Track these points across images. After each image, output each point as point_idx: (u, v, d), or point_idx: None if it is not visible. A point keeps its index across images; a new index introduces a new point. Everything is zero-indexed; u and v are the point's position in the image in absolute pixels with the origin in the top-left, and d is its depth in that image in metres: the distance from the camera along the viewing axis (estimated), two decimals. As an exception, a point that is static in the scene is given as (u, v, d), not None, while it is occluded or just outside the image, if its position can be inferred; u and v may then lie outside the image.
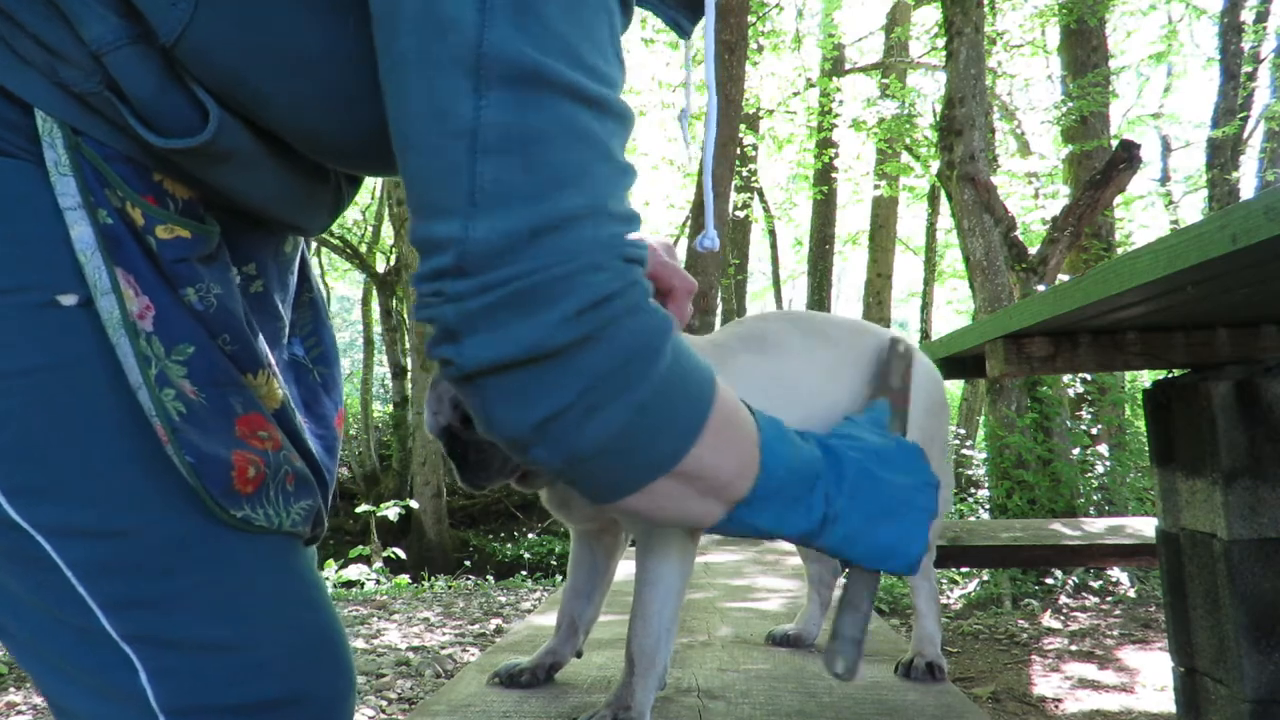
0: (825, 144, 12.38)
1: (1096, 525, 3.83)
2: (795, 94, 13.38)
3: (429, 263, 0.54)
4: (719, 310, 10.53)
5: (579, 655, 1.20)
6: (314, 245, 13.56)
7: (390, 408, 14.00)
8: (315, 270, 0.88)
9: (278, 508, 0.69)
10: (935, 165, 8.47)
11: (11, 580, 0.63)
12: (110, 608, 0.62)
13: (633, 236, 0.58)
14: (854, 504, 0.72)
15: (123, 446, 0.63)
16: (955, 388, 10.95)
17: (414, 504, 8.57)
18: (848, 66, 13.60)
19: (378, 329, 13.79)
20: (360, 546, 7.52)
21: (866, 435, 0.79)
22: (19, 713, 3.14)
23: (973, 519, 5.91)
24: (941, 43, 7.54)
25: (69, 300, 0.61)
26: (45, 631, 0.64)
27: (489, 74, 0.52)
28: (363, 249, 13.46)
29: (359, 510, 8.14)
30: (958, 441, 8.07)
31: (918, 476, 0.76)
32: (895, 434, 0.85)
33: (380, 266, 13.24)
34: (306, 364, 0.87)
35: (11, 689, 3.43)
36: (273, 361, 0.76)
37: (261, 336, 0.76)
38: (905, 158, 11.77)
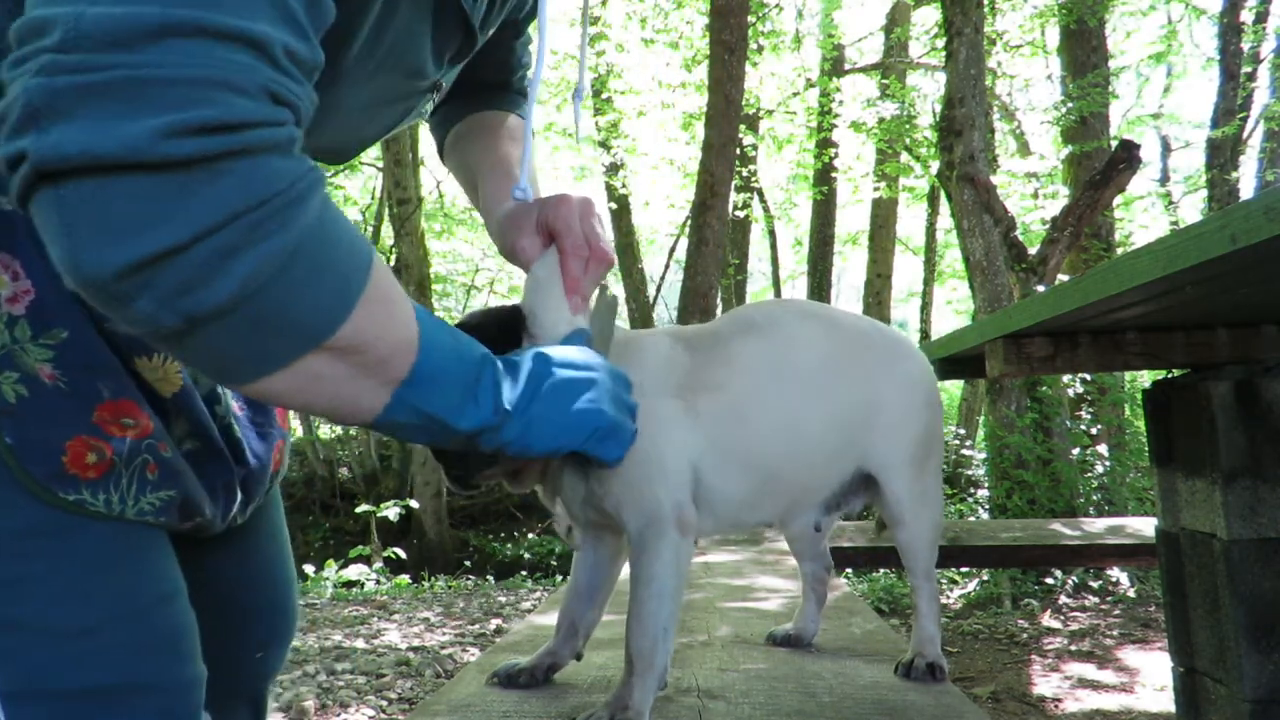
0: (825, 144, 12.37)
1: (1096, 525, 3.84)
2: (795, 94, 13.37)
3: (24, 47, 0.45)
4: (719, 311, 10.53)
5: (578, 658, 1.19)
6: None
7: (390, 408, 13.96)
8: None
9: (124, 495, 0.69)
10: (935, 165, 8.47)
11: None
12: None
13: (291, 86, 0.51)
14: (529, 397, 0.74)
15: None
16: (955, 388, 10.95)
17: (414, 504, 8.56)
18: (847, 67, 13.59)
19: (378, 329, 13.76)
20: (360, 546, 7.52)
21: (546, 351, 0.81)
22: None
23: (973, 519, 5.91)
24: (941, 43, 7.54)
25: None
26: None
27: None
28: (363, 249, 13.44)
29: (359, 510, 8.14)
30: (958, 441, 8.07)
31: (592, 367, 0.81)
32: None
33: (380, 266, 13.22)
34: None
35: (11, 689, 3.43)
36: None
37: None
38: (905, 158, 11.77)
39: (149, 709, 0.69)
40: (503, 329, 0.91)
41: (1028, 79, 12.88)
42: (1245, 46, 10.12)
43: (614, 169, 12.50)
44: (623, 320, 14.61)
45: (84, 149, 0.44)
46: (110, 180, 0.44)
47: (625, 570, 1.10)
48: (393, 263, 12.72)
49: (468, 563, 8.52)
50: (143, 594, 0.71)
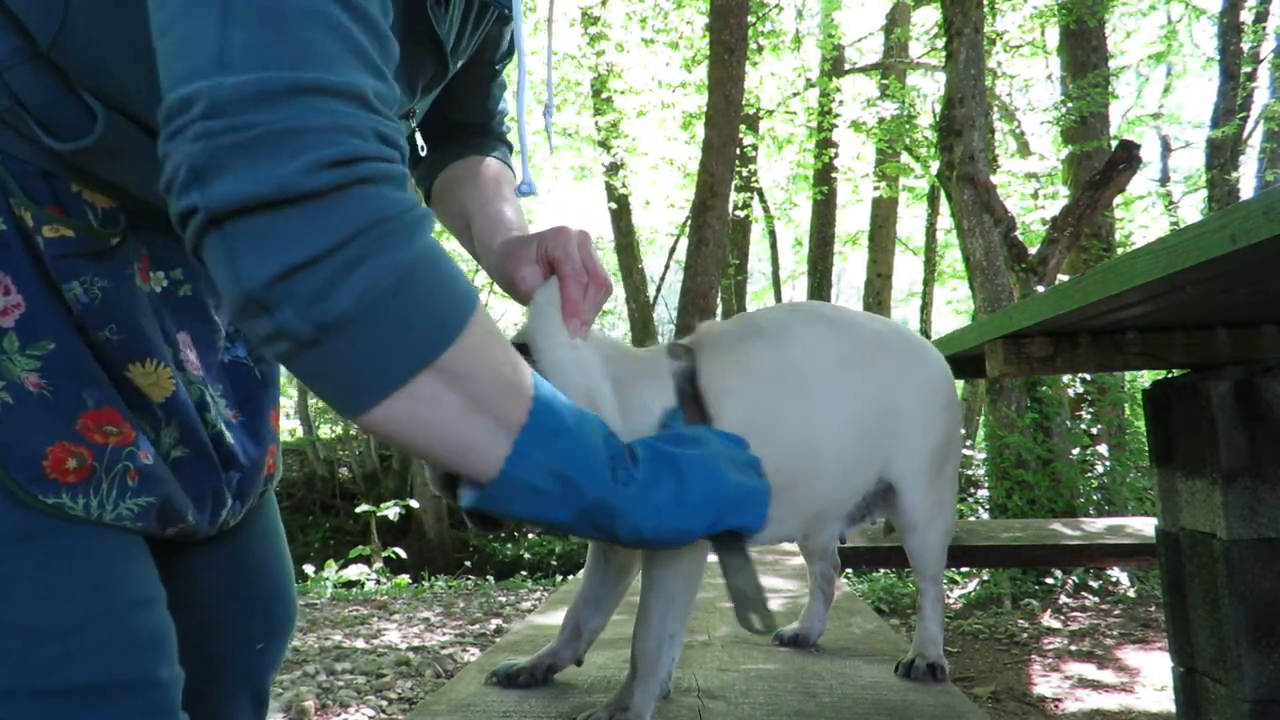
0: (825, 144, 12.37)
1: (1096, 525, 3.84)
2: (795, 94, 13.37)
3: (175, 121, 0.54)
4: (719, 311, 10.53)
5: (579, 663, 1.19)
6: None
7: (390, 408, 13.96)
8: None
9: (104, 500, 0.72)
10: (935, 165, 8.47)
11: None
12: None
13: (394, 128, 0.59)
14: (649, 478, 0.71)
15: None
16: (955, 388, 10.94)
17: (414, 504, 8.57)
18: (847, 67, 13.59)
19: (378, 329, 13.76)
20: (360, 546, 7.52)
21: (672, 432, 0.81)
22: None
23: (973, 519, 5.91)
24: (941, 43, 7.54)
25: None
26: None
27: None
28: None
29: (359, 510, 8.14)
30: (958, 441, 8.07)
31: (706, 446, 0.78)
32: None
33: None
34: (248, 363, 0.93)
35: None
36: (170, 356, 0.81)
37: (164, 329, 0.81)
38: (905, 158, 11.77)
39: (131, 707, 0.72)
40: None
41: (1028, 79, 12.88)
42: (1245, 46, 10.11)
43: (614, 169, 12.50)
44: (623, 320, 14.59)
45: (247, 193, 0.53)
46: (266, 214, 0.53)
47: (637, 579, 1.09)
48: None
49: (468, 563, 8.52)
50: (123, 597, 0.73)
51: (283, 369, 0.91)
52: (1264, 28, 10.26)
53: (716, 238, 7.04)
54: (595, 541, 1.15)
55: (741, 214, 12.99)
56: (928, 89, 11.82)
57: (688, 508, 0.73)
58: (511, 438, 0.63)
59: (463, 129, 1.10)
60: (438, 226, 0.74)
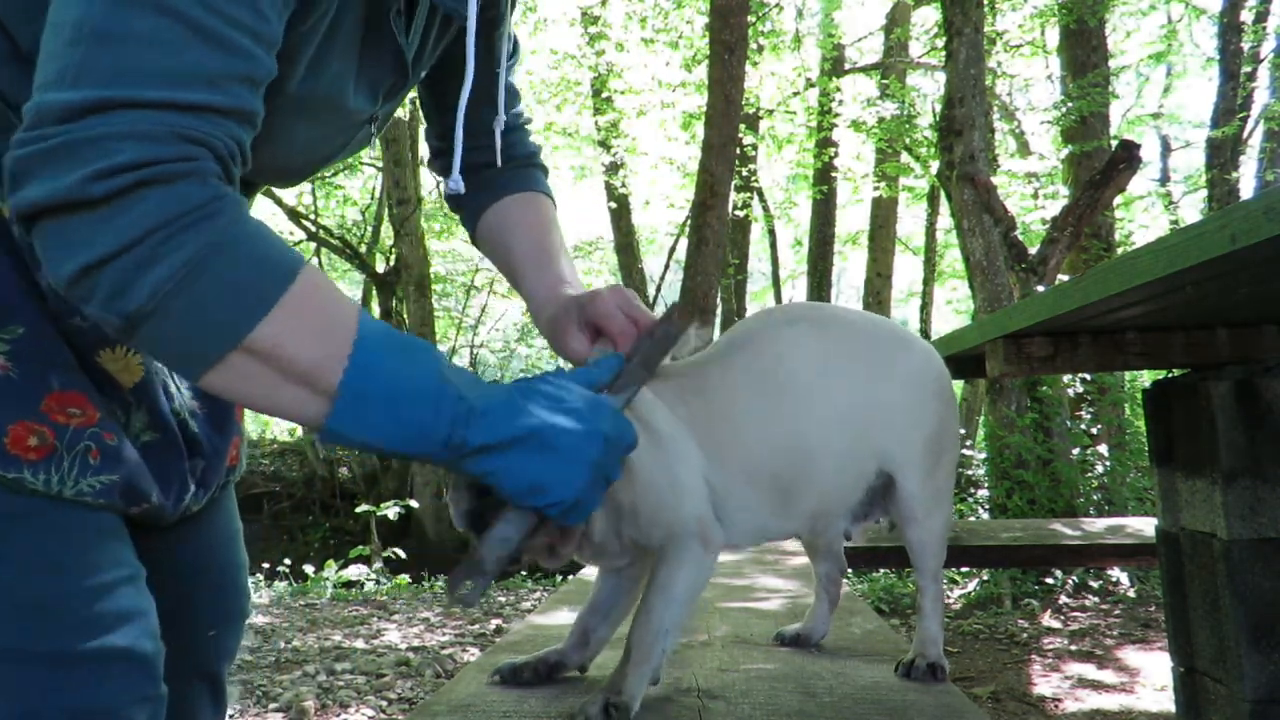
0: (825, 144, 12.37)
1: (1096, 525, 3.83)
2: (795, 94, 13.37)
3: (19, 130, 0.62)
4: (719, 310, 10.54)
5: (583, 670, 1.19)
6: (314, 245, 13.55)
7: (390, 408, 13.95)
8: None
9: (65, 476, 0.76)
10: (935, 165, 8.47)
11: None
12: None
13: (210, 130, 0.64)
14: (496, 449, 0.73)
15: None
16: (955, 388, 10.94)
17: (414, 504, 8.56)
18: (847, 66, 13.59)
19: (378, 329, 13.75)
20: (360, 546, 7.52)
21: (555, 387, 0.80)
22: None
23: (973, 519, 5.91)
24: (941, 43, 7.54)
25: None
26: None
27: None
28: (362, 249, 13.45)
29: (359, 510, 8.13)
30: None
31: (590, 424, 0.77)
32: (606, 392, 0.86)
33: (380, 267, 13.24)
34: None
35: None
36: None
37: None
38: (905, 158, 11.77)
39: (115, 674, 0.76)
40: None
41: (1028, 79, 12.88)
42: (1245, 46, 10.11)
43: (614, 169, 12.50)
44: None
45: (38, 198, 0.59)
46: (61, 217, 0.60)
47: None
48: (392, 262, 12.73)
49: (468, 563, 8.48)
50: (103, 569, 0.78)
51: None
52: (1264, 28, 10.26)
53: (716, 238, 7.04)
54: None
55: (741, 214, 12.99)
56: (928, 89, 11.84)
57: (516, 489, 0.75)
58: (328, 403, 0.67)
59: (487, 164, 1.10)
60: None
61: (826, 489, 1.11)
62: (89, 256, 0.60)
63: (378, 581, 6.54)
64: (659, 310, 1.11)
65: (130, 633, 0.78)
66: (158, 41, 0.62)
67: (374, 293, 13.65)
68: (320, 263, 14.80)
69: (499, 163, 1.09)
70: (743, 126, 9.08)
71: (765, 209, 14.48)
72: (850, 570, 1.82)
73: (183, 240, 0.61)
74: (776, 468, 1.06)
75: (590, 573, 2.51)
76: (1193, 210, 13.73)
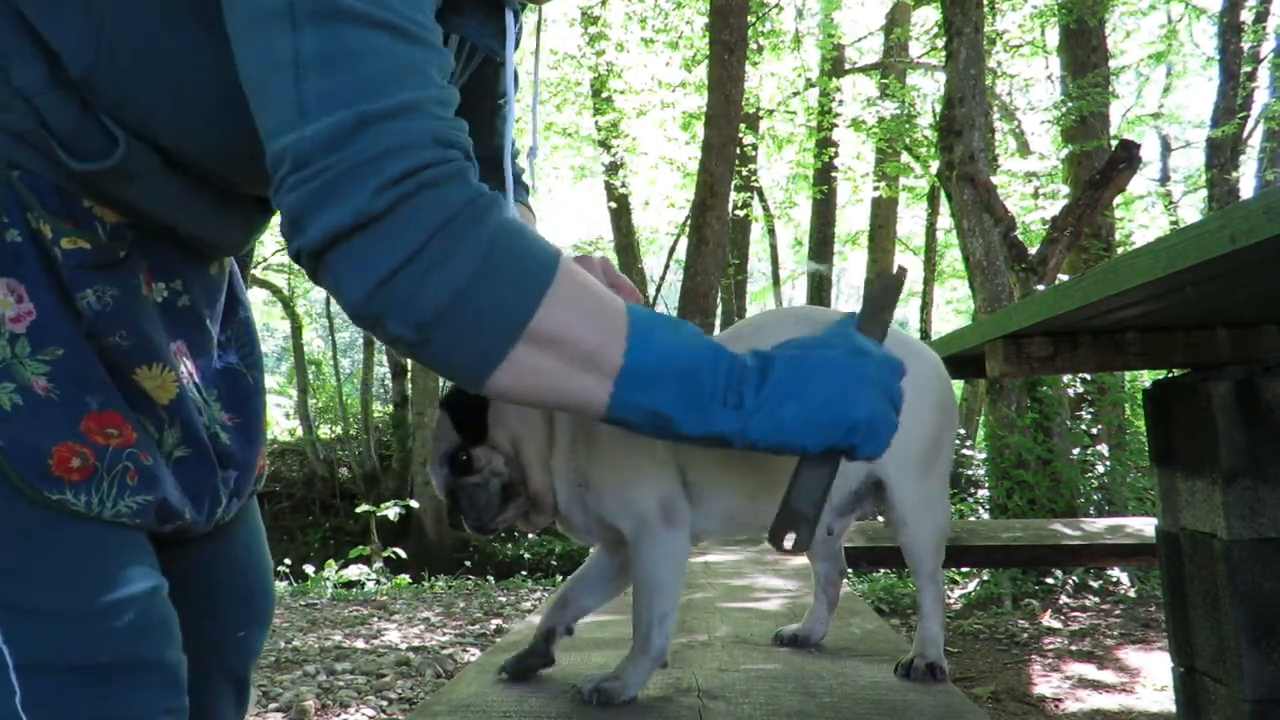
0: (825, 144, 12.37)
1: (1096, 525, 3.83)
2: (795, 94, 13.38)
3: (275, 176, 0.64)
4: (719, 310, 10.53)
5: (569, 632, 1.22)
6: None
7: (390, 408, 13.99)
8: (247, 295, 1.08)
9: (104, 497, 0.78)
10: (935, 165, 8.47)
11: None
12: None
13: (450, 128, 0.66)
14: (778, 395, 0.73)
15: None
16: (955, 388, 10.94)
17: (414, 504, 8.57)
18: (847, 66, 13.59)
19: (378, 329, 13.76)
20: (360, 546, 7.52)
21: (799, 342, 0.80)
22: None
23: (973, 519, 5.91)
24: (941, 43, 7.54)
25: None
26: None
27: (299, 14, 0.63)
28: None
29: (359, 510, 8.14)
30: (957, 441, 8.07)
31: (847, 345, 0.78)
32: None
33: (380, 266, 13.23)
34: (241, 369, 1.00)
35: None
36: (175, 361, 0.87)
37: (167, 337, 0.87)
38: (905, 158, 11.77)
39: (144, 684, 0.78)
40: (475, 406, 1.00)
41: (1028, 79, 12.87)
42: (1245, 46, 10.11)
43: (614, 169, 12.50)
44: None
45: (329, 228, 0.62)
46: (350, 240, 0.63)
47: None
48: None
49: (468, 563, 8.52)
50: (134, 584, 0.78)
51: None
52: (1264, 28, 10.26)
53: (716, 238, 7.04)
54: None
55: (741, 214, 12.99)
56: (928, 89, 11.84)
57: (809, 427, 0.74)
58: (610, 385, 0.69)
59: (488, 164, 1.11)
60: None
61: None
62: (381, 270, 0.62)
63: (378, 581, 6.55)
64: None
65: (159, 645, 0.79)
66: (374, 51, 0.64)
67: (374, 293, 13.63)
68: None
69: (520, 170, 1.12)
70: (743, 126, 9.07)
71: (765, 209, 14.48)
72: (850, 570, 1.81)
73: (461, 240, 0.63)
74: (765, 465, 1.06)
75: (590, 573, 2.51)
76: (1193, 210, 13.73)
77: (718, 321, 11.62)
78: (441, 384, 13.38)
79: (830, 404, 0.74)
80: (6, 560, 0.74)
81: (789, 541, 0.79)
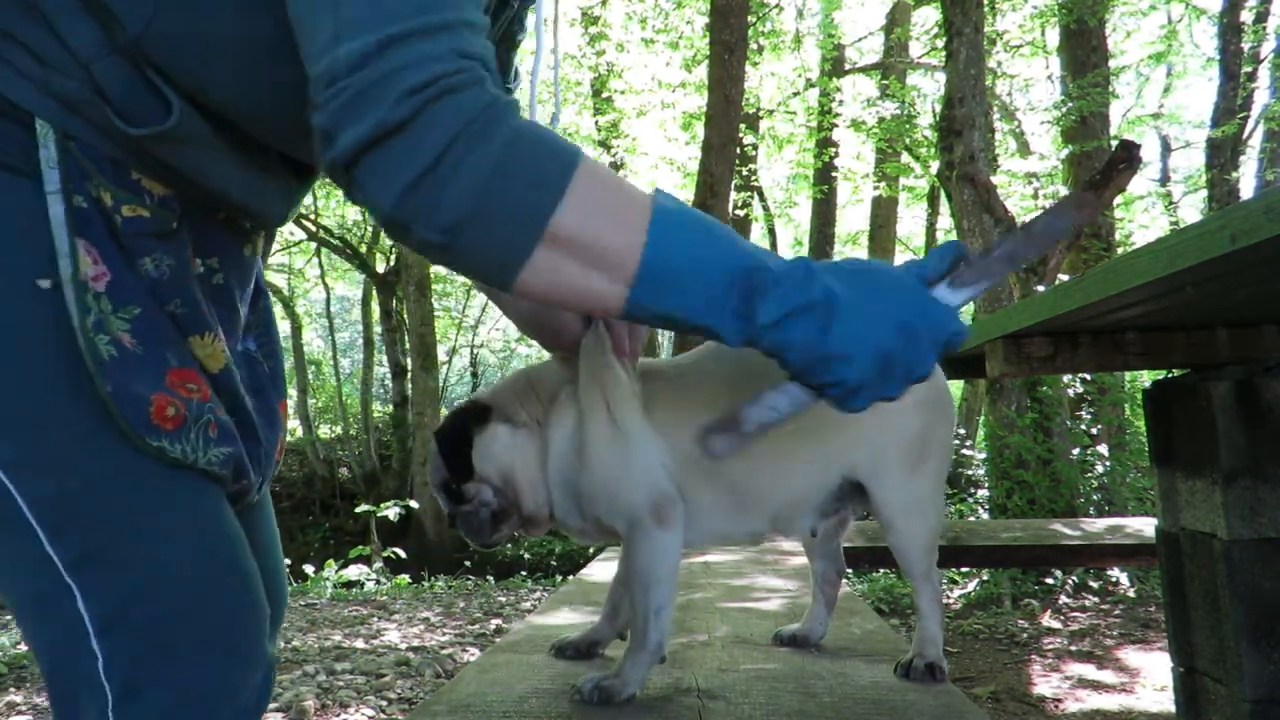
0: (825, 144, 12.37)
1: (1096, 525, 3.84)
2: (795, 94, 13.37)
3: (312, 98, 0.67)
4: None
5: (622, 637, 1.26)
6: (314, 245, 13.53)
7: (390, 408, 13.99)
8: (268, 292, 1.10)
9: (195, 446, 0.80)
10: (935, 165, 8.46)
11: None
12: (54, 533, 0.74)
13: (473, 44, 0.69)
14: (793, 323, 0.72)
15: (66, 390, 0.75)
16: (955, 388, 10.96)
17: (414, 504, 8.56)
18: (848, 66, 13.59)
19: (378, 329, 13.79)
20: (360, 546, 7.52)
21: (862, 265, 0.78)
22: (19, 712, 3.14)
23: (973, 519, 5.91)
24: (941, 43, 7.54)
25: (44, 284, 0.75)
26: (11, 573, 0.77)
27: None
28: (363, 249, 13.46)
29: (359, 510, 8.13)
30: (957, 441, 8.07)
31: (887, 306, 0.74)
32: (947, 284, 0.79)
33: (380, 267, 13.24)
34: (259, 358, 1.01)
35: (11, 689, 3.42)
36: (221, 332, 0.89)
37: (214, 311, 0.89)
38: (905, 158, 11.77)
39: (235, 662, 0.80)
40: (461, 429, 1.04)
41: (1028, 79, 12.87)
42: (1245, 46, 10.11)
43: (614, 169, 12.48)
44: (623, 320, 14.55)
45: (356, 139, 0.65)
46: (377, 151, 0.65)
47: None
48: (392, 262, 12.72)
49: (468, 563, 8.52)
50: (215, 537, 0.82)
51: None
52: (1264, 28, 10.26)
53: (716, 238, 7.02)
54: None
55: (741, 213, 12.98)
56: (928, 89, 11.83)
57: (805, 360, 0.74)
58: (625, 290, 0.71)
59: None
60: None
61: (785, 496, 1.13)
62: (407, 177, 0.65)
63: (378, 581, 6.54)
64: None
65: (259, 602, 0.83)
66: None
67: (374, 292, 13.66)
68: (321, 263, 14.83)
69: None
70: (743, 126, 9.07)
71: (765, 209, 14.48)
72: (850, 570, 1.81)
73: (481, 142, 0.66)
74: (735, 475, 1.08)
75: (589, 573, 2.51)
76: (1193, 210, 13.73)
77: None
78: (441, 384, 13.37)
79: (825, 354, 0.73)
80: (94, 510, 0.76)
81: (713, 444, 0.78)
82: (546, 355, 1.17)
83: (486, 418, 1.06)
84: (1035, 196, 8.69)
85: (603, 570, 2.40)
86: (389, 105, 0.64)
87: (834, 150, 12.49)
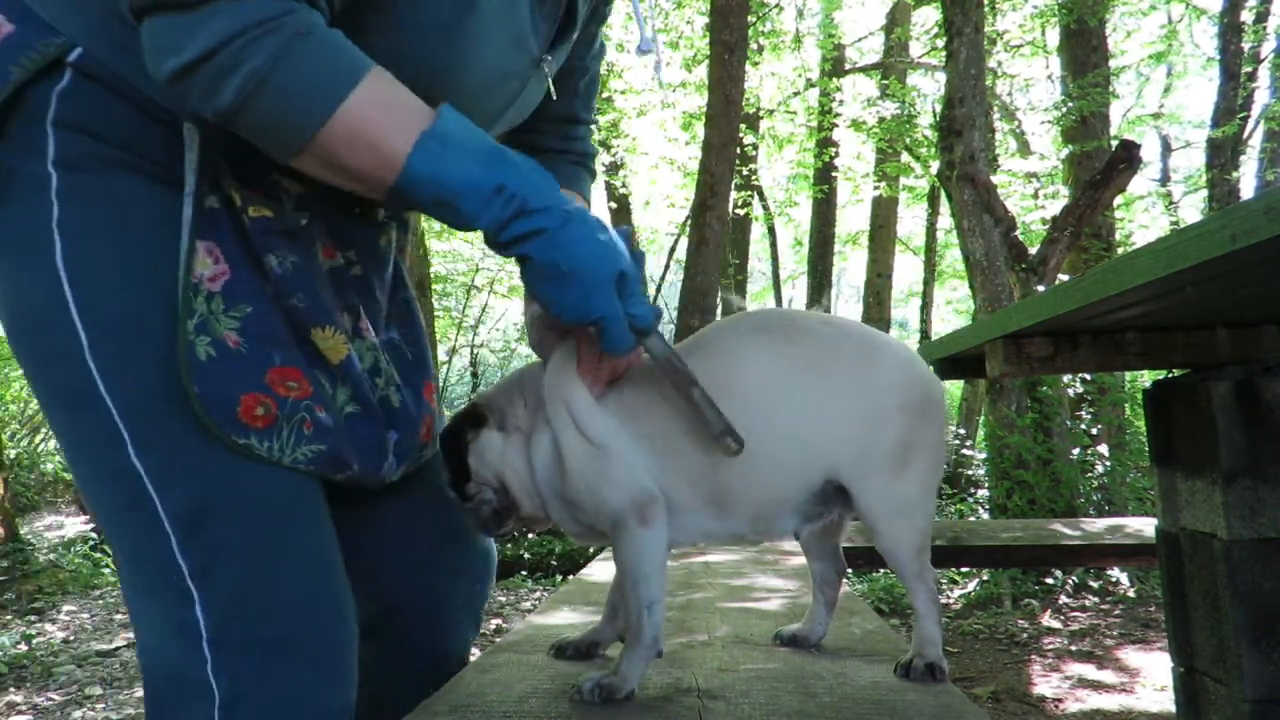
0: (825, 144, 12.37)
1: (1096, 525, 3.83)
2: (795, 94, 13.37)
3: None
4: (719, 310, 10.52)
5: (622, 638, 1.25)
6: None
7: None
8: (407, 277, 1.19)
9: (283, 444, 0.85)
10: (935, 165, 8.47)
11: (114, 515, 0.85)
12: (184, 543, 0.82)
13: None
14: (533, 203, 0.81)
15: (175, 390, 0.82)
16: (955, 388, 10.95)
17: (414, 504, 8.54)
18: (848, 66, 13.58)
19: (378, 329, 13.75)
20: (360, 546, 7.50)
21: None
22: (19, 712, 3.14)
23: (973, 519, 5.91)
24: (941, 43, 7.54)
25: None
26: (145, 571, 0.85)
27: None
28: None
29: (359, 510, 8.10)
30: (957, 441, 8.07)
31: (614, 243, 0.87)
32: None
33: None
34: (401, 345, 1.09)
35: (11, 689, 3.43)
36: (344, 324, 0.96)
37: (337, 302, 0.96)
38: (905, 158, 11.77)
39: (313, 659, 0.87)
40: (457, 434, 1.05)
41: (1028, 79, 12.87)
42: (1245, 46, 10.11)
43: (614, 169, 12.50)
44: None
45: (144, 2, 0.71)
46: (161, 15, 0.71)
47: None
48: (393, 263, 12.70)
49: (468, 563, 8.49)
50: (328, 541, 0.89)
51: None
52: (1264, 28, 10.26)
53: (716, 238, 7.03)
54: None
55: (741, 213, 12.99)
56: (928, 89, 11.83)
57: (545, 252, 0.83)
58: (386, 187, 0.79)
59: (544, 150, 1.18)
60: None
61: (765, 496, 1.12)
62: (182, 59, 0.71)
63: (378, 581, 6.54)
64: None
65: (353, 641, 0.91)
66: None
67: (374, 293, 13.62)
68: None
69: (590, 152, 1.19)
70: (743, 126, 9.07)
71: (765, 209, 14.48)
72: (850, 570, 1.81)
73: (258, 47, 0.71)
74: (717, 474, 1.08)
75: (589, 573, 2.51)
76: (1193, 210, 13.73)
77: (717, 317, 11.62)
78: (441, 384, 13.35)
79: (579, 299, 0.84)
80: (226, 522, 0.83)
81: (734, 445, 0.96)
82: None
83: (481, 423, 1.07)
84: (1035, 196, 8.69)
85: (603, 570, 2.41)
86: None
87: (834, 150, 12.49)
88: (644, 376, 1.11)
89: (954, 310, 16.97)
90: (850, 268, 19.44)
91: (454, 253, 14.27)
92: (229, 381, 0.82)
